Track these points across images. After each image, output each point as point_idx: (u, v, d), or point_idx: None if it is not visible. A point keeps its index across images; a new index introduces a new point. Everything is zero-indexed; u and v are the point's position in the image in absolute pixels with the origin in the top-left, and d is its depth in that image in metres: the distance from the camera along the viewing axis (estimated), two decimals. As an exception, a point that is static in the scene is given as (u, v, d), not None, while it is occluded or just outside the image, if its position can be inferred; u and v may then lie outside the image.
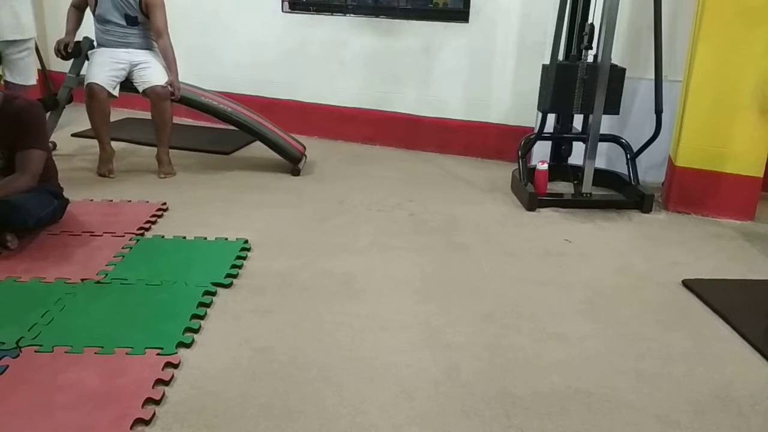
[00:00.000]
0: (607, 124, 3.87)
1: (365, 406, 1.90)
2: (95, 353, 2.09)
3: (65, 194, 3.20)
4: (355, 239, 3.16)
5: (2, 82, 3.98)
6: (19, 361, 2.04)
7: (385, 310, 2.48)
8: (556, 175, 4.02)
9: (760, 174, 3.53)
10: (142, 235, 3.06)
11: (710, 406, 1.97)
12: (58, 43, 3.90)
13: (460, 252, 3.07)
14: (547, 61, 3.66)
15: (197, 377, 2.01)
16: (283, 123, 4.43)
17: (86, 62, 3.94)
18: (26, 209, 2.81)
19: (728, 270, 2.97)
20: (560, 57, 3.70)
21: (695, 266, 2.99)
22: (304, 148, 4.30)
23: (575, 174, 3.87)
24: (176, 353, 2.11)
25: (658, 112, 3.63)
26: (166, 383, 1.96)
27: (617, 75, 3.65)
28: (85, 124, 4.01)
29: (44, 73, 5.32)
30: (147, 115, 4.03)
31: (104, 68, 3.80)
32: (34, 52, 4.13)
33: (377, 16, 4.80)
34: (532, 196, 3.66)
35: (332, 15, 4.91)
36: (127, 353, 2.09)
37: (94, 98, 3.76)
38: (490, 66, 4.56)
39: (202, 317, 2.34)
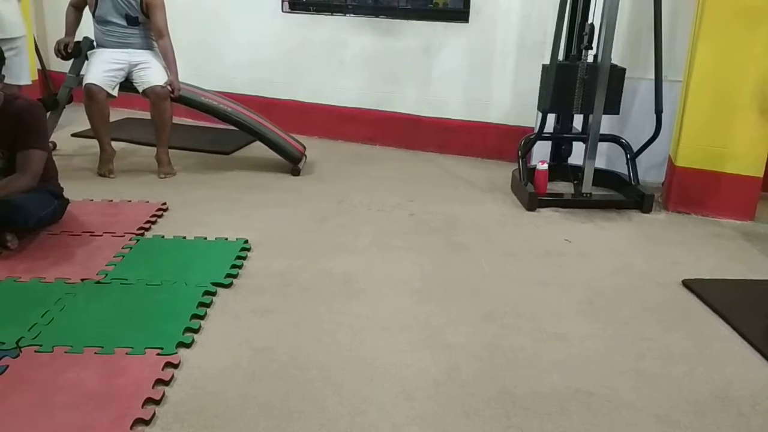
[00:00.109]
0: (607, 124, 3.87)
1: (365, 406, 1.90)
2: (95, 353, 2.09)
3: (65, 194, 3.20)
4: (355, 239, 3.16)
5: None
6: (19, 361, 2.04)
7: (385, 310, 2.48)
8: (556, 175, 4.02)
9: (760, 174, 3.53)
10: (142, 235, 3.06)
11: (710, 406, 1.97)
12: (58, 43, 3.90)
13: (460, 252, 3.07)
14: (547, 61, 3.66)
15: (197, 377, 2.01)
16: (283, 123, 4.43)
17: (86, 62, 3.94)
18: (26, 209, 2.81)
19: (728, 270, 2.97)
20: (560, 57, 3.70)
21: (695, 266, 2.99)
22: (304, 148, 4.31)
23: (575, 174, 3.87)
24: (176, 353, 2.10)
25: (658, 112, 3.62)
26: (166, 383, 1.96)
27: (617, 75, 3.65)
28: (85, 124, 4.01)
29: (44, 73, 5.33)
30: (147, 115, 4.03)
31: (103, 68, 3.80)
32: (25, 51, 4.11)
33: (377, 16, 4.80)
34: (532, 196, 3.66)
35: (332, 15, 4.91)
36: (127, 353, 2.09)
37: (92, 99, 3.76)
38: (490, 66, 4.57)
39: (202, 317, 2.34)
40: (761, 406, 1.98)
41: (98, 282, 2.57)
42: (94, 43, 3.96)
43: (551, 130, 4.00)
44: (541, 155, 4.10)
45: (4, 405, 1.83)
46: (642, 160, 3.89)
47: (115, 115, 4.60)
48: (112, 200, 3.50)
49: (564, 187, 3.97)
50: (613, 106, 3.70)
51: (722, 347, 2.32)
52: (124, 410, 1.82)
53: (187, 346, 2.16)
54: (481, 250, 3.10)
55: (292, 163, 4.15)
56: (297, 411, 1.87)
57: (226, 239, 3.04)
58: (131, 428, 1.76)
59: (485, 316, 2.45)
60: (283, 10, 5.00)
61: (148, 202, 3.48)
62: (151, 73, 3.86)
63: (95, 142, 3.98)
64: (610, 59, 3.57)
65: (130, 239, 2.99)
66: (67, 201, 3.20)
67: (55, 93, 4.06)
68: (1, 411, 1.81)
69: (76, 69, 3.98)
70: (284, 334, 2.27)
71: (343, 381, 2.02)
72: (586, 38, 3.60)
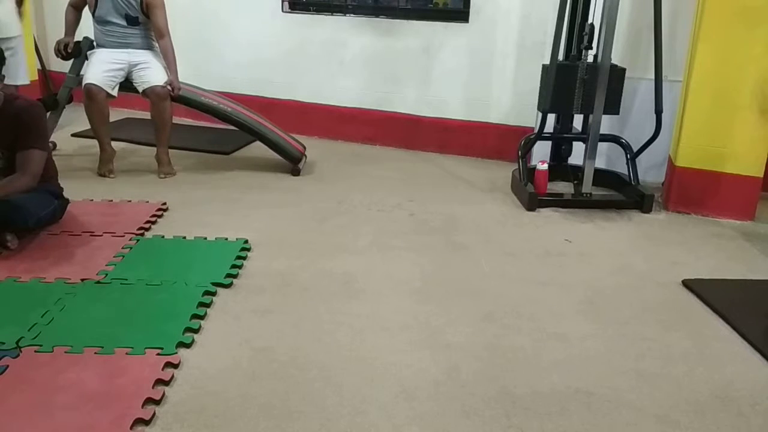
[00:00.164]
0: (607, 124, 3.87)
1: (365, 406, 1.90)
2: (95, 353, 2.09)
3: (65, 194, 3.20)
4: (355, 239, 3.16)
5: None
6: (19, 361, 2.04)
7: (385, 310, 2.48)
8: (556, 175, 4.02)
9: (760, 174, 3.53)
10: (142, 235, 3.06)
11: (710, 406, 1.97)
12: (58, 43, 3.89)
13: (460, 252, 3.07)
14: (547, 61, 3.66)
15: (197, 377, 2.01)
16: (283, 123, 4.43)
17: (86, 62, 3.94)
18: (26, 209, 2.81)
19: (728, 270, 2.97)
20: (560, 57, 3.70)
21: (695, 266, 2.99)
22: (304, 148, 4.31)
23: (575, 174, 3.87)
24: (176, 353, 2.10)
25: (658, 112, 3.62)
26: (166, 383, 1.96)
27: (617, 75, 3.65)
28: (85, 124, 4.01)
29: (44, 73, 5.32)
30: (147, 115, 4.03)
31: (103, 68, 3.80)
32: (22, 50, 4.11)
33: (377, 16, 4.80)
34: (532, 196, 3.66)
35: (332, 15, 4.91)
36: (127, 353, 2.09)
37: (92, 99, 3.76)
38: (490, 66, 4.57)
39: (202, 317, 2.34)
40: (761, 406, 1.98)
41: (98, 282, 2.57)
42: (94, 43, 3.96)
43: (551, 130, 4.00)
44: (541, 155, 4.10)
45: (4, 405, 1.83)
46: (642, 160, 3.89)
47: (115, 115, 4.61)
48: (112, 200, 3.50)
49: (564, 187, 3.97)
50: (613, 106, 3.70)
51: (722, 347, 2.32)
52: (124, 410, 1.82)
53: (187, 346, 2.16)
54: (481, 250, 3.10)
55: (292, 163, 4.15)
56: (297, 411, 1.87)
57: (226, 239, 3.04)
58: (131, 428, 1.76)
59: (485, 316, 2.45)
60: (283, 10, 5.01)
61: (148, 202, 3.48)
62: (151, 73, 3.86)
63: (95, 142, 3.98)
64: (610, 59, 3.57)
65: (130, 239, 2.99)
66: (67, 201, 3.20)
67: (55, 93, 4.05)
68: (1, 411, 1.81)
69: (76, 69, 3.98)
70: (284, 334, 2.27)
71: (343, 381, 2.02)
72: (586, 38, 3.60)
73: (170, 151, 4.05)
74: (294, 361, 2.12)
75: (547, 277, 2.82)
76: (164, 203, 3.46)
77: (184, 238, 3.05)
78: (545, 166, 3.77)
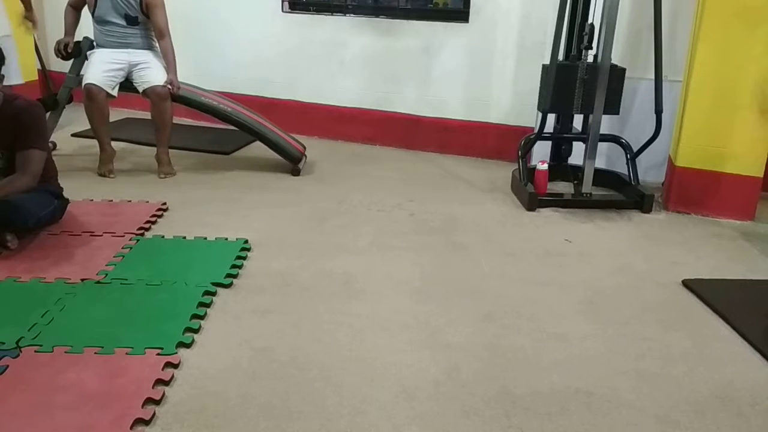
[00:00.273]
0: (607, 124, 3.87)
1: (365, 406, 1.90)
2: (95, 353, 2.09)
3: (65, 194, 3.20)
4: (355, 239, 3.16)
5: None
6: (19, 361, 2.04)
7: (385, 310, 2.48)
8: (556, 175, 4.02)
9: (760, 174, 3.53)
10: (142, 235, 3.06)
11: (710, 406, 1.97)
12: (58, 43, 3.89)
13: (460, 252, 3.07)
14: (547, 61, 3.66)
15: (197, 377, 2.01)
16: (283, 123, 4.43)
17: (86, 62, 3.94)
18: (26, 209, 2.81)
19: (728, 270, 2.97)
20: (560, 57, 3.70)
21: (695, 266, 2.99)
22: (304, 148, 4.31)
23: (575, 174, 3.87)
24: (176, 353, 2.10)
25: (658, 112, 3.62)
26: (166, 383, 1.96)
27: (617, 75, 3.65)
28: (85, 124, 4.01)
29: (44, 73, 5.32)
30: (147, 115, 4.04)
31: (102, 68, 3.80)
32: (13, 50, 4.09)
33: (377, 16, 4.80)
34: (532, 196, 3.66)
35: (332, 15, 4.91)
36: (127, 353, 2.09)
37: (92, 99, 3.76)
38: (490, 66, 4.57)
39: (202, 317, 2.34)
40: (761, 406, 1.98)
41: (98, 282, 2.57)
42: (94, 43, 3.96)
43: (551, 130, 4.00)
44: (541, 155, 4.10)
45: (4, 405, 1.83)
46: (642, 160, 3.89)
47: (115, 115, 4.61)
48: (112, 200, 3.50)
49: (564, 187, 3.97)
50: (613, 106, 3.70)
51: (722, 347, 2.32)
52: (124, 410, 1.82)
53: (187, 346, 2.16)
54: (481, 250, 3.10)
55: (292, 163, 4.15)
56: (297, 411, 1.87)
57: (226, 239, 3.04)
58: (131, 428, 1.76)
59: (485, 316, 2.45)
60: (283, 10, 5.01)
61: (148, 202, 3.48)
62: (151, 73, 3.86)
63: (95, 142, 3.98)
64: (610, 59, 3.57)
65: (130, 239, 2.99)
66: (67, 201, 3.20)
67: (55, 93, 4.05)
68: (1, 411, 1.81)
69: (76, 69, 3.98)
70: (284, 334, 2.27)
71: (343, 381, 2.02)
72: (586, 38, 3.60)
73: (170, 151, 4.05)
74: (294, 361, 2.12)
75: (547, 277, 2.82)
76: (164, 203, 3.46)
77: (184, 238, 3.05)
78: (545, 166, 3.77)
